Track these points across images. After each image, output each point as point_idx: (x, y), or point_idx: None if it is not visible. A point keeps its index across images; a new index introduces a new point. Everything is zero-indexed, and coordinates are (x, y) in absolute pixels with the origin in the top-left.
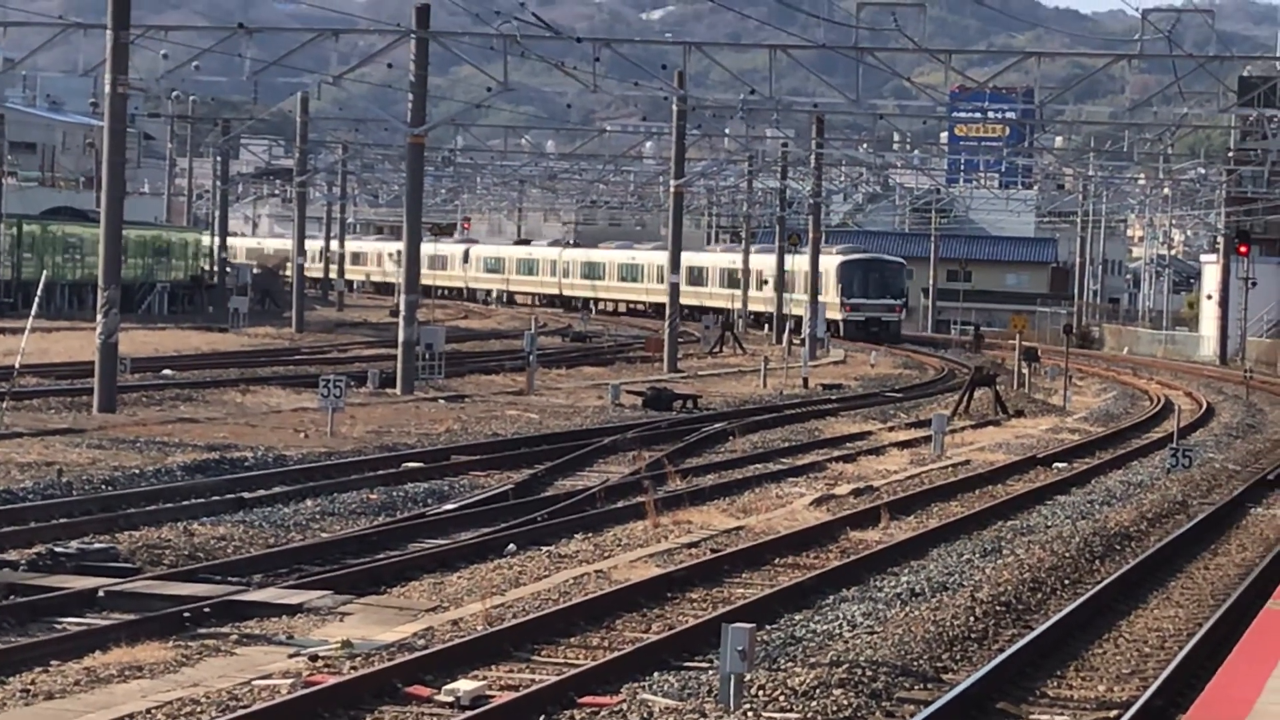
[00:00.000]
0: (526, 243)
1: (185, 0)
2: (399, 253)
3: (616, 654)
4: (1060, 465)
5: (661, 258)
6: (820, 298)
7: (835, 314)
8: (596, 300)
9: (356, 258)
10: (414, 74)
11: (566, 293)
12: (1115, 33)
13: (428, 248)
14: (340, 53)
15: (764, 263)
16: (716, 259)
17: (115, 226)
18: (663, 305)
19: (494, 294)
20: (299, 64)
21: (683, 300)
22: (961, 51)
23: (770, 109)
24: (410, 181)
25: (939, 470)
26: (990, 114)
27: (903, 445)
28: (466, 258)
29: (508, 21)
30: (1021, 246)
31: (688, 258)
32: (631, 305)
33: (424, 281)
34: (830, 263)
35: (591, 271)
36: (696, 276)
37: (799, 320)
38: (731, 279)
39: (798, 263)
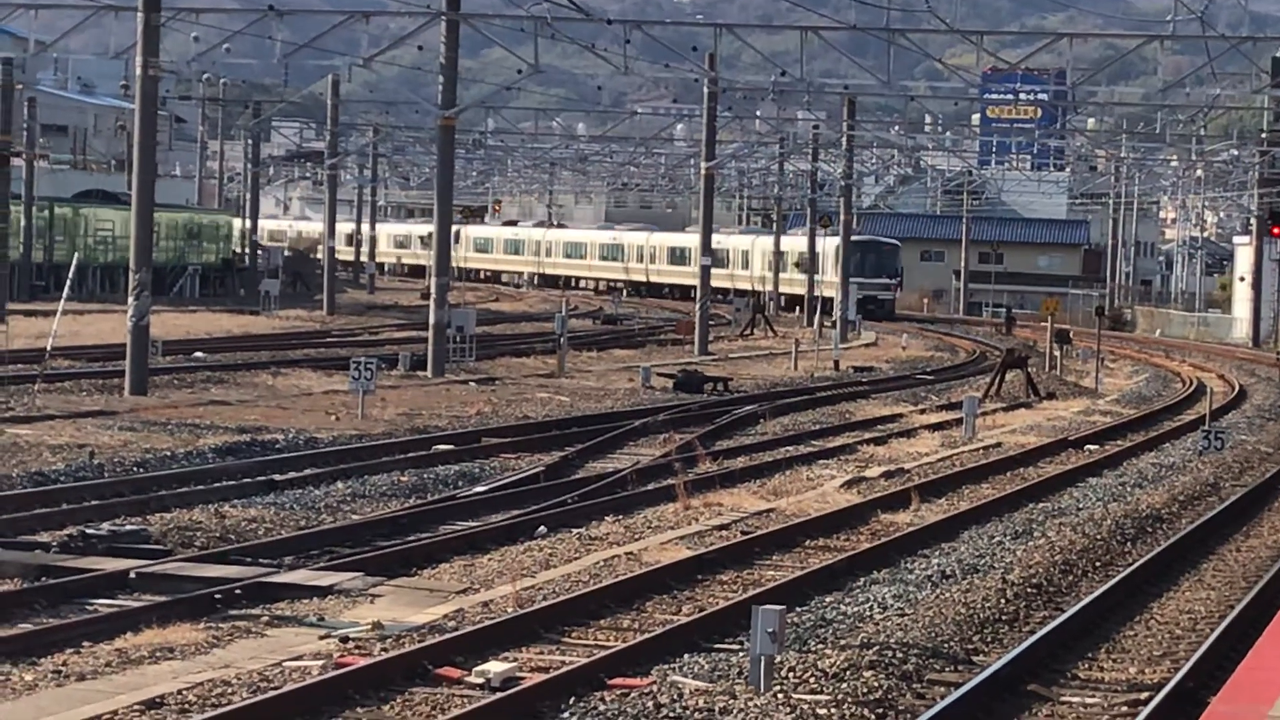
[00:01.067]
0: (514, 223)
1: None
2: (429, 235)
3: (647, 636)
4: (1092, 447)
5: (638, 238)
6: (819, 277)
7: (833, 292)
8: (576, 279)
9: (401, 242)
10: (444, 56)
11: (548, 271)
12: (1148, 14)
13: (420, 229)
14: (371, 35)
15: (768, 244)
16: (736, 241)
17: (146, 209)
18: (641, 283)
19: (482, 273)
20: (330, 46)
21: (689, 281)
22: (993, 33)
23: (801, 91)
24: (441, 164)
25: (970, 452)
26: (1022, 96)
27: (934, 428)
28: (458, 238)
29: (538, 3)
30: (1054, 229)
31: (765, 242)
32: (611, 284)
33: (421, 262)
34: (829, 244)
35: (574, 251)
36: (738, 260)
37: (792, 300)
38: (745, 260)
39: (793, 245)
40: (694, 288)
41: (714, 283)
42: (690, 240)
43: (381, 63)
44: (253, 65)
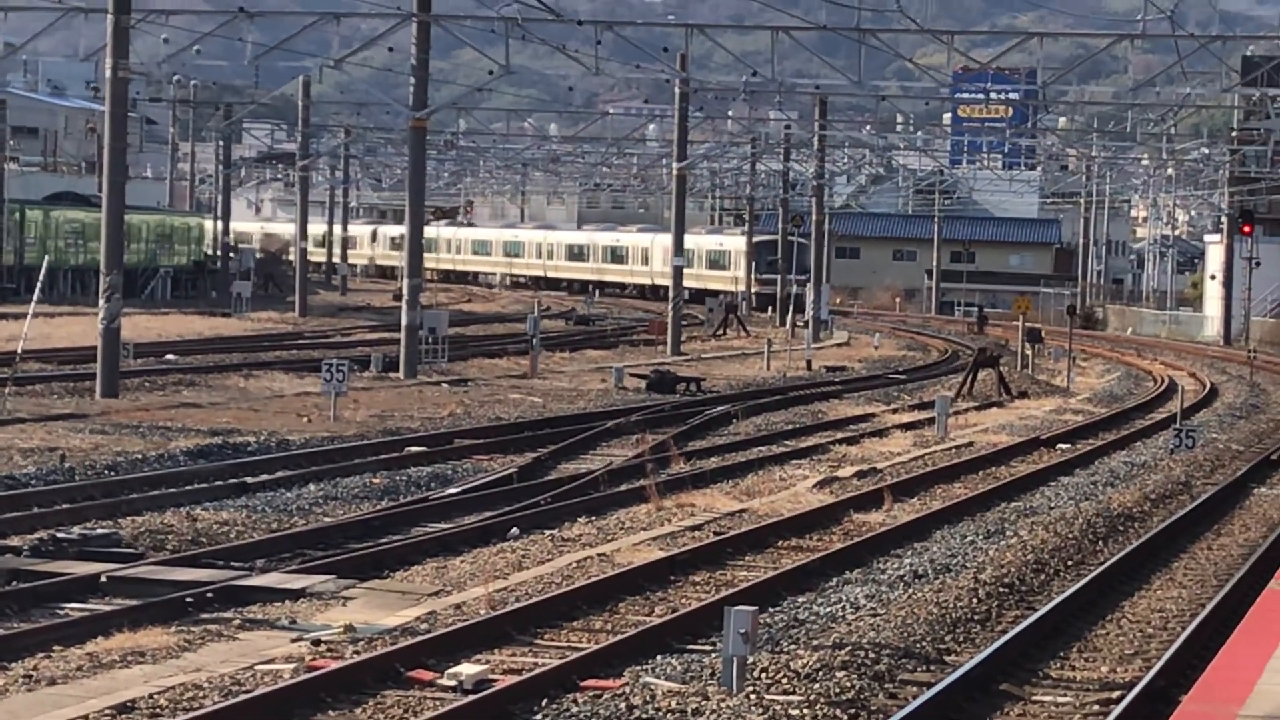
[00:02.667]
0: (471, 225)
1: None
2: (401, 237)
3: (619, 637)
4: (1064, 446)
5: (590, 237)
6: (731, 273)
7: (743, 287)
8: (514, 274)
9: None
10: (415, 57)
11: (461, 269)
12: (1119, 13)
13: (365, 230)
14: (342, 36)
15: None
16: (700, 241)
17: (117, 212)
18: (587, 282)
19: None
20: (300, 48)
21: (657, 281)
22: (964, 32)
23: (773, 91)
24: (412, 166)
25: (942, 452)
26: (993, 95)
27: (906, 427)
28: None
29: (509, 4)
30: (1025, 227)
31: (664, 240)
32: (516, 279)
33: (380, 262)
34: (740, 243)
35: (482, 249)
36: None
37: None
38: (713, 261)
39: (701, 243)
40: (589, 282)
41: (616, 279)
42: (584, 238)
43: (353, 64)
44: (223, 67)
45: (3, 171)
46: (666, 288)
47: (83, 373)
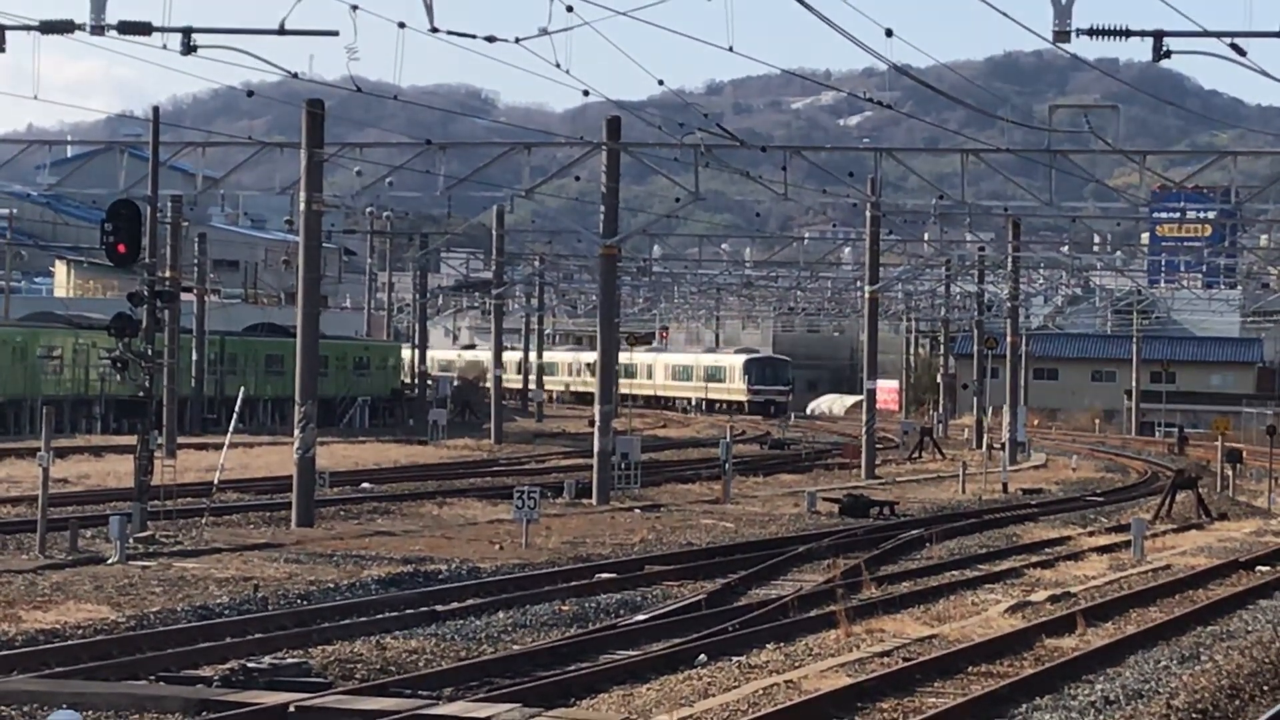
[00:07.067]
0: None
1: (383, 118)
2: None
3: None
4: (1263, 568)
5: (646, 358)
6: (725, 384)
7: (741, 396)
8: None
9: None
10: (605, 185)
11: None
12: None
13: (561, 356)
14: (534, 166)
15: (705, 359)
16: (699, 359)
17: (311, 341)
18: (665, 398)
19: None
20: (492, 178)
21: (666, 394)
22: (1156, 152)
23: (963, 214)
24: (603, 292)
25: (1138, 575)
26: (1190, 213)
27: (1102, 550)
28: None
29: (690, 133)
30: (1226, 347)
31: (670, 358)
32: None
33: (575, 389)
34: (736, 360)
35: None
36: (682, 373)
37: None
38: (711, 375)
39: (700, 360)
40: (688, 399)
41: (714, 396)
42: (691, 359)
43: (547, 193)
44: (418, 198)
45: (204, 303)
46: (740, 403)
47: (279, 502)
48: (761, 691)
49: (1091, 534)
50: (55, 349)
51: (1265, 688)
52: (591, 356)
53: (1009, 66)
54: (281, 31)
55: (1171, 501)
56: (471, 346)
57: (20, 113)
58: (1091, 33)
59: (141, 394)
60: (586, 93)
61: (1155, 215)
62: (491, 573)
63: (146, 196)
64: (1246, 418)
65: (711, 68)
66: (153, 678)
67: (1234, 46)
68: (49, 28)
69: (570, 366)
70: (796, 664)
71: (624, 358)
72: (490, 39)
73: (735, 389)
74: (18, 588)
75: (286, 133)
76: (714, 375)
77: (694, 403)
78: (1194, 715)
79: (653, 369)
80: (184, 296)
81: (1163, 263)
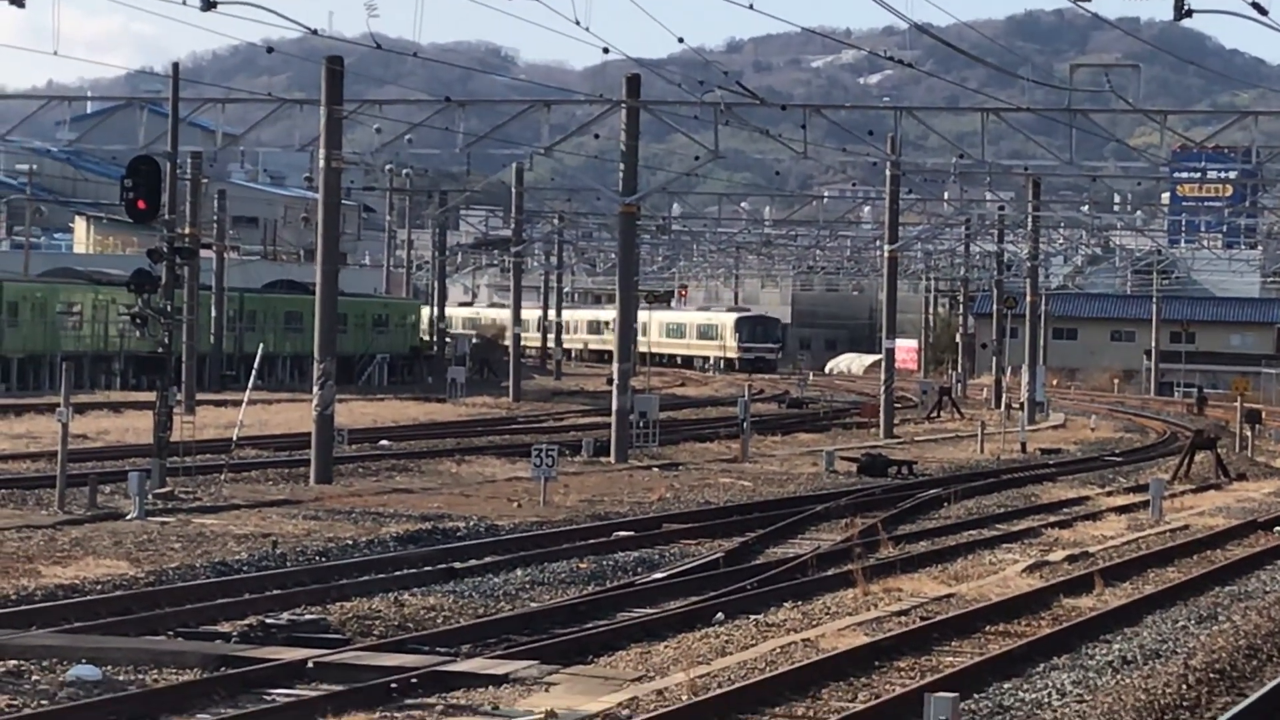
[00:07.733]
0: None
1: (403, 75)
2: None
3: None
4: None
5: (689, 317)
6: (717, 341)
7: (734, 354)
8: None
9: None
10: (625, 143)
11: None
12: None
13: (580, 314)
14: (553, 124)
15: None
16: (692, 316)
17: (330, 299)
18: (660, 355)
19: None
20: (511, 135)
21: (659, 350)
22: (1177, 112)
23: (984, 173)
24: (622, 250)
25: (1156, 535)
26: (1210, 173)
27: (1121, 510)
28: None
29: (710, 91)
30: (1246, 307)
31: (664, 315)
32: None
33: (594, 347)
34: (728, 318)
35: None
36: (675, 330)
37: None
38: (703, 333)
39: (692, 318)
40: (686, 355)
41: (675, 351)
42: (686, 317)
43: (565, 151)
44: (437, 155)
45: (223, 260)
46: (730, 360)
47: (298, 459)
48: (779, 650)
49: (1110, 494)
50: (75, 305)
51: None
52: (609, 314)
53: (1030, 25)
54: None
55: (1190, 462)
56: (469, 304)
57: (40, 69)
58: None
59: (160, 350)
60: (606, 50)
61: (1176, 175)
62: (509, 530)
63: (166, 153)
64: (1266, 378)
65: (732, 25)
66: (171, 633)
67: (1255, 5)
68: None
69: (588, 325)
70: (814, 622)
71: (678, 317)
72: None
73: (728, 346)
74: (37, 543)
75: (306, 89)
76: (706, 333)
77: (683, 360)
78: (1212, 675)
79: (648, 326)
80: (203, 253)
81: (1183, 223)
